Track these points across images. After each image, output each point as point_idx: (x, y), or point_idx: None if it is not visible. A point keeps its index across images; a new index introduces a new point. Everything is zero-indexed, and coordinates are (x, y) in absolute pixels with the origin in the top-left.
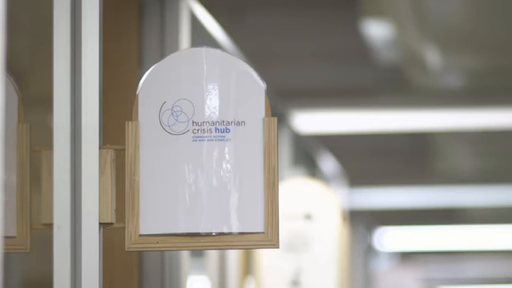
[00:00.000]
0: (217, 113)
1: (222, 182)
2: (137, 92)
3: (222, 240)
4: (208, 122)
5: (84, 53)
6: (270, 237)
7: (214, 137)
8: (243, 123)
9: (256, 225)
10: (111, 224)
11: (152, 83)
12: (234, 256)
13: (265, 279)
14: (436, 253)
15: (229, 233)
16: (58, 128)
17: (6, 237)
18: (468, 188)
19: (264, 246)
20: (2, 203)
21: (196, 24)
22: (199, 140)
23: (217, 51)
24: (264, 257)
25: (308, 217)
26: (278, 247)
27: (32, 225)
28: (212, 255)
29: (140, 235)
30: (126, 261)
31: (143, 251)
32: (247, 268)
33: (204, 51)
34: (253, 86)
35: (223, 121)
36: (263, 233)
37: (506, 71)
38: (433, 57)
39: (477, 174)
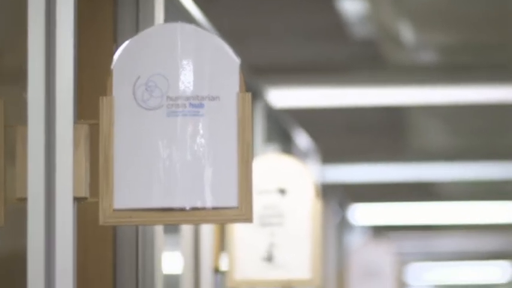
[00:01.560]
0: (191, 88)
1: (196, 157)
2: (111, 67)
3: (196, 214)
4: (183, 97)
5: (58, 28)
6: (243, 212)
7: (188, 112)
8: (217, 98)
9: (230, 199)
10: (86, 198)
11: (127, 58)
12: (208, 232)
13: (239, 254)
14: (409, 228)
15: (203, 208)
16: (32, 103)
17: None
18: (442, 164)
19: (238, 221)
20: None
21: (171, 0)
22: (174, 115)
23: (192, 26)
24: (237, 232)
25: (282, 192)
26: (252, 221)
27: (6, 200)
28: (186, 231)
29: (114, 209)
30: (100, 237)
31: (117, 225)
32: (221, 245)
33: (179, 26)
34: (227, 62)
35: (197, 96)
36: (237, 207)
37: (480, 48)
38: (407, 33)
39: (451, 150)
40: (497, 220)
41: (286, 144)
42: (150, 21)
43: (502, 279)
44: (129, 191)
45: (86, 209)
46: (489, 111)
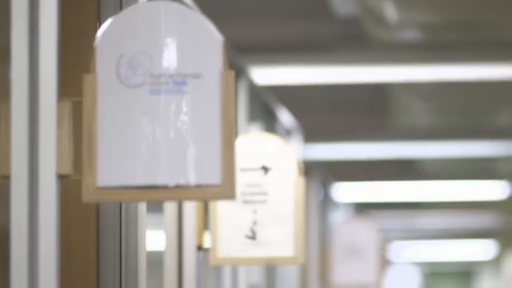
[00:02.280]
0: (174, 65)
1: (180, 134)
2: (95, 45)
3: (179, 192)
4: (166, 75)
5: (42, 6)
6: (226, 189)
7: (171, 89)
8: (200, 76)
9: (213, 177)
10: (69, 175)
11: (110, 36)
12: (191, 210)
13: (222, 232)
14: (392, 206)
15: (186, 185)
16: (16, 81)
17: None
18: (425, 142)
19: (221, 198)
20: None
21: None
22: (157, 93)
23: (175, 4)
24: (220, 209)
25: (265, 170)
26: (235, 199)
27: None
28: (169, 210)
29: (97, 187)
30: (83, 214)
31: (100, 202)
32: (205, 222)
33: (162, 4)
34: (210, 40)
35: (180, 74)
36: (220, 185)
37: (463, 26)
38: (390, 11)
39: (434, 128)
40: (480, 198)
41: (270, 122)
42: None
43: (485, 257)
44: (113, 168)
45: (69, 186)
46: (472, 89)
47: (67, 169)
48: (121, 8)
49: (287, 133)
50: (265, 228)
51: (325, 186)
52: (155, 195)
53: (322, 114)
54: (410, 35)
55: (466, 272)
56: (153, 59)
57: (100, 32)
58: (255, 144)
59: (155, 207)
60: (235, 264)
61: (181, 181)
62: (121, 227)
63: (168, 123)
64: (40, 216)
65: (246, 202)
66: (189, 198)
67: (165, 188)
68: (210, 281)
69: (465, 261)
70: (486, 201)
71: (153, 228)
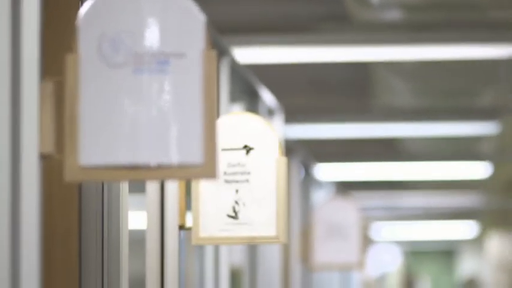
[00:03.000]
0: (157, 45)
1: (162, 114)
2: (77, 24)
3: (161, 171)
4: (148, 54)
5: None
6: (208, 169)
7: (154, 69)
8: (183, 56)
9: (195, 156)
10: (51, 155)
11: (92, 15)
12: (173, 190)
13: (203, 211)
14: (375, 186)
15: (169, 165)
16: None
17: None
18: (406, 122)
19: (203, 177)
20: None
21: None
22: (140, 72)
23: None
24: (202, 189)
25: (247, 150)
26: (217, 178)
27: None
28: (151, 190)
29: (80, 166)
30: (65, 194)
31: (83, 181)
32: (187, 202)
33: None
34: (192, 19)
35: (163, 53)
36: (202, 164)
37: (446, 6)
38: None
39: (416, 108)
40: (462, 178)
41: (252, 102)
42: None
43: (467, 236)
44: (95, 147)
45: (51, 166)
46: (455, 69)
47: (49, 148)
48: None
49: (269, 113)
50: (247, 207)
51: (307, 166)
52: (137, 175)
53: (305, 94)
54: (393, 15)
55: (447, 251)
56: (135, 38)
57: (82, 12)
58: (237, 124)
59: (138, 187)
60: (217, 244)
61: (164, 160)
62: (103, 206)
63: (150, 103)
64: (22, 195)
65: (228, 182)
66: (171, 177)
67: (147, 167)
68: (192, 261)
69: (447, 240)
70: (468, 181)
71: (136, 209)
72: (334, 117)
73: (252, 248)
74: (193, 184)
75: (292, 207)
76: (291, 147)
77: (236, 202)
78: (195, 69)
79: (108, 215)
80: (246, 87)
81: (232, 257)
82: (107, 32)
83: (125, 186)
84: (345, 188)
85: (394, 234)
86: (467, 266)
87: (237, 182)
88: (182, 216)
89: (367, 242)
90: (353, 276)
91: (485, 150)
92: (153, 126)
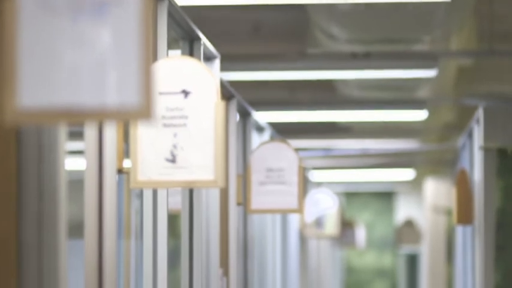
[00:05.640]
0: None
1: (100, 58)
2: None
3: (99, 113)
4: (87, 0)
5: None
6: (145, 110)
7: (92, 15)
8: (120, 1)
9: (132, 98)
10: None
11: None
12: (111, 135)
13: (142, 155)
14: (311, 130)
15: (106, 106)
16: None
17: None
18: (343, 67)
19: (140, 118)
20: None
21: None
22: (78, 18)
23: None
24: (140, 133)
25: (185, 93)
26: (153, 119)
27: None
28: (90, 137)
29: (18, 109)
30: (3, 137)
31: (21, 125)
32: (125, 146)
33: None
34: None
35: None
36: (138, 105)
37: None
38: None
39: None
40: (399, 122)
41: (190, 47)
42: None
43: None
44: (34, 91)
45: None
46: (392, 12)
47: None
48: None
49: (207, 58)
50: (185, 151)
51: (245, 110)
52: (76, 117)
53: (243, 39)
54: None
55: (385, 192)
56: None
57: None
58: (175, 68)
59: (76, 133)
60: (155, 187)
61: (102, 102)
62: (41, 151)
63: (88, 47)
64: None
65: (166, 125)
66: (109, 119)
67: (85, 109)
68: (130, 204)
69: (384, 182)
70: (404, 125)
71: (74, 156)
72: (272, 61)
73: (191, 192)
74: (132, 128)
75: (230, 152)
76: (229, 92)
77: (174, 146)
78: (132, 12)
79: (46, 160)
80: (184, 31)
81: (170, 201)
82: None
83: (62, 130)
84: (283, 132)
85: (331, 178)
86: (404, 208)
87: (175, 126)
88: (120, 160)
89: (305, 185)
90: (291, 219)
91: (422, 95)
92: (92, 69)
